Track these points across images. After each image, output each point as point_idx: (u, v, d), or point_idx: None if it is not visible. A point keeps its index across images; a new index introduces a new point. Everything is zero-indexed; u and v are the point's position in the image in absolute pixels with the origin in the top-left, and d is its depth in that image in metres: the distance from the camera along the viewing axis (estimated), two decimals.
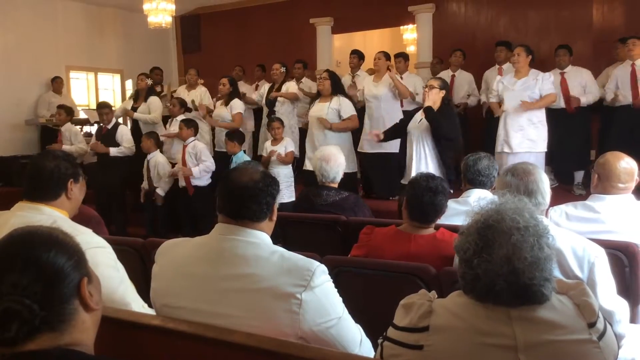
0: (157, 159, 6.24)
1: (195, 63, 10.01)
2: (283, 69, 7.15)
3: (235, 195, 1.76)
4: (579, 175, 6.45)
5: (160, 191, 6.22)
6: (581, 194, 6.09)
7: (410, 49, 10.64)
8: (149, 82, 7.35)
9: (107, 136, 6.48)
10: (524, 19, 8.04)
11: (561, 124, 5.87)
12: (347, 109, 5.89)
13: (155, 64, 8.84)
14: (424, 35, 8.88)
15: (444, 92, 4.96)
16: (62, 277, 1.20)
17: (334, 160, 3.74)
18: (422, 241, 2.58)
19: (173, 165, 6.34)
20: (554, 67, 6.47)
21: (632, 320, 2.43)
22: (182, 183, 6.08)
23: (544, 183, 2.37)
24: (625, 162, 2.74)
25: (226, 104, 6.68)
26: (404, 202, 2.67)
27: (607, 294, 2.10)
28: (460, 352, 1.33)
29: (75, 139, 7.00)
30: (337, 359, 1.48)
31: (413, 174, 4.92)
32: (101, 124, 6.61)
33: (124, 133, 6.53)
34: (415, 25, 9.21)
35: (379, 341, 1.47)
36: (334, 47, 9.92)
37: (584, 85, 6.36)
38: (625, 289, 2.45)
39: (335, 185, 3.76)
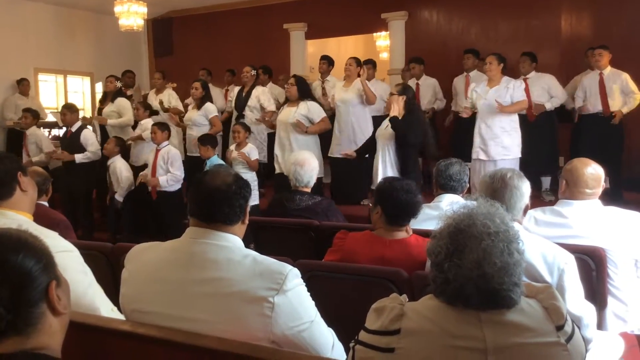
0: (116, 164, 6.18)
1: (167, 66, 9.94)
2: (253, 72, 7.13)
3: (208, 199, 1.74)
4: (546, 181, 6.56)
5: (118, 197, 6.13)
6: (550, 199, 6.20)
7: (383, 56, 10.73)
8: (118, 84, 7.27)
9: (71, 139, 6.37)
10: (494, 27, 8.17)
11: (528, 131, 5.96)
12: (317, 112, 5.96)
13: (126, 67, 8.74)
14: (396, 42, 8.96)
15: (404, 97, 5.05)
16: (30, 281, 1.18)
17: (308, 164, 3.74)
18: (397, 246, 2.59)
19: (136, 168, 6.29)
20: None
21: (599, 322, 2.48)
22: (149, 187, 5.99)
23: (515, 196, 2.36)
24: (592, 168, 2.79)
25: (198, 107, 6.64)
26: (379, 210, 2.66)
27: (575, 300, 2.14)
28: (431, 354, 1.33)
29: (41, 145, 6.89)
30: None
31: (379, 179, 5.01)
32: (67, 127, 6.49)
33: (89, 137, 6.41)
34: (388, 32, 9.29)
35: (351, 345, 1.47)
36: (307, 52, 9.94)
37: (547, 90, 6.52)
38: (592, 292, 2.49)
39: (309, 190, 3.76)
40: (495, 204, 1.48)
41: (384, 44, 10.70)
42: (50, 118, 8.92)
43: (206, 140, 5.91)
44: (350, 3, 9.05)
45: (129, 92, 8.05)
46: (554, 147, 6.69)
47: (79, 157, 6.28)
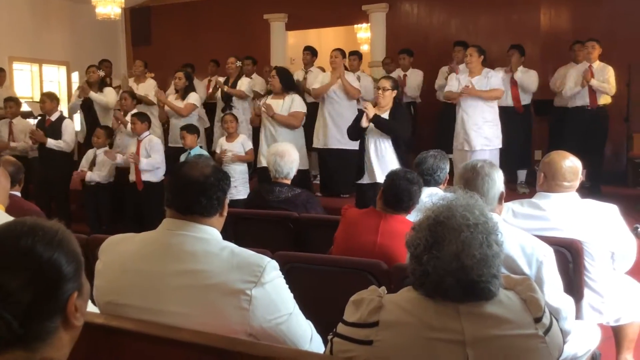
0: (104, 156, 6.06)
1: (145, 56, 9.76)
2: (238, 63, 7.07)
3: (185, 190, 1.71)
4: (522, 174, 6.62)
5: (94, 176, 6.00)
6: (525, 192, 6.27)
7: (364, 48, 10.71)
8: (101, 73, 7.14)
9: (51, 128, 6.25)
10: (474, 21, 8.20)
11: (503, 124, 5.99)
12: (296, 105, 5.89)
13: (103, 56, 8.57)
14: (377, 34, 8.95)
15: (395, 92, 5.01)
16: (57, 286, 1.05)
17: (288, 155, 3.73)
18: (391, 220, 2.66)
19: None
20: (503, 67, 6.67)
21: (576, 314, 2.50)
22: (132, 178, 5.90)
23: (487, 183, 2.37)
24: (570, 161, 2.80)
25: (182, 98, 6.53)
26: (380, 192, 2.75)
27: (554, 292, 2.15)
28: (409, 347, 1.33)
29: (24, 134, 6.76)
30: (286, 356, 1.46)
31: (377, 173, 4.96)
32: (46, 116, 6.35)
33: (68, 128, 6.31)
34: (369, 24, 9.27)
35: (329, 337, 1.46)
36: (288, 43, 9.87)
37: (528, 85, 6.59)
38: (569, 284, 2.51)
39: (288, 182, 3.74)
40: (475, 196, 1.48)
41: (365, 36, 10.69)
42: (25, 107, 8.74)
43: (193, 129, 5.86)
44: None
45: (114, 82, 7.93)
46: (528, 140, 6.76)
47: (50, 142, 6.17)
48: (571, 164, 2.79)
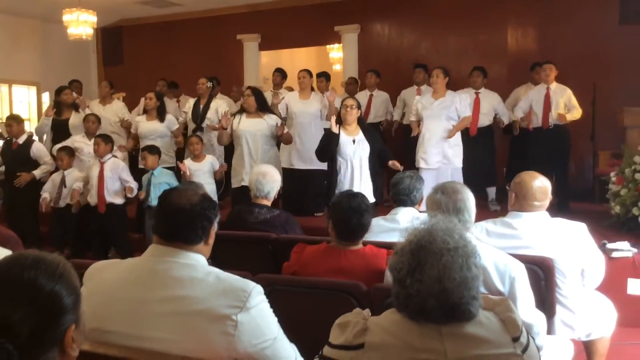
0: (74, 175, 5.96)
1: (117, 76, 9.75)
2: (209, 84, 7.08)
3: (170, 217, 1.74)
4: (491, 192, 6.76)
5: (46, 194, 5.87)
6: (496, 209, 6.40)
7: (336, 68, 10.85)
8: (76, 96, 7.08)
9: (18, 152, 6.17)
10: (444, 42, 8.38)
11: (469, 144, 6.15)
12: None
13: (74, 76, 8.50)
14: (349, 54, 9.07)
15: (359, 111, 5.18)
16: (57, 319, 1.08)
17: (270, 176, 3.78)
18: (352, 256, 2.66)
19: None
20: (469, 87, 6.83)
21: (548, 330, 2.58)
22: (93, 201, 5.77)
23: (471, 201, 2.48)
24: (539, 182, 2.90)
25: (160, 119, 6.47)
26: (330, 224, 2.73)
27: (526, 308, 2.23)
28: None
29: None
30: None
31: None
32: (10, 138, 6.27)
33: (41, 149, 6.24)
34: (341, 44, 9.40)
35: None
36: (261, 63, 9.95)
37: (494, 107, 6.76)
38: (541, 301, 2.59)
39: (268, 203, 3.77)
40: (453, 220, 1.54)
41: (337, 56, 10.82)
42: None
43: (154, 149, 5.84)
44: (303, 15, 9.11)
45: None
46: (493, 158, 6.90)
47: (38, 174, 6.12)
48: (541, 184, 2.89)
